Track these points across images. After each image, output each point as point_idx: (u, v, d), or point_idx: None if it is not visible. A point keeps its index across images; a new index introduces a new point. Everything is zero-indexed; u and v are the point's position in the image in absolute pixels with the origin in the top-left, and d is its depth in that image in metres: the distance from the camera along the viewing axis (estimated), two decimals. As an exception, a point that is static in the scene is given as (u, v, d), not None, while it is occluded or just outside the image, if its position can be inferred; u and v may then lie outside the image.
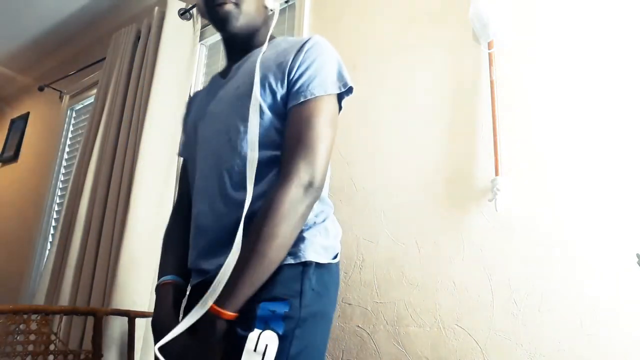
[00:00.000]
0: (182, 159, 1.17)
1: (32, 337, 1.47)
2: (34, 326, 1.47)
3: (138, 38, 2.51)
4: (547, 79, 1.32)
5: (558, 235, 1.20)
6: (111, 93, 2.45)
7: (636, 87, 1.19)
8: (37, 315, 1.50)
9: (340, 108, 0.97)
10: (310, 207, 0.86)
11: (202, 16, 1.07)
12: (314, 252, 0.89)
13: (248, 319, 0.81)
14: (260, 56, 0.95)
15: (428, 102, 1.53)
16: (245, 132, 0.91)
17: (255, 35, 1.02)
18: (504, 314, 1.23)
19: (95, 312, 1.62)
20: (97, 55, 2.89)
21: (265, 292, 0.83)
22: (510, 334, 1.20)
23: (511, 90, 1.36)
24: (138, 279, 1.89)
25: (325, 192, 0.98)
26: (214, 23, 1.00)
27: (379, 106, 1.64)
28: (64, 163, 3.11)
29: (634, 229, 1.11)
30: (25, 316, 1.46)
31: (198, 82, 2.42)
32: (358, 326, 1.46)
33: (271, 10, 1.05)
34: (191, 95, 1.20)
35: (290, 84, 0.91)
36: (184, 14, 2.35)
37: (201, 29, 2.39)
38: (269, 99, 0.92)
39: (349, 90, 0.96)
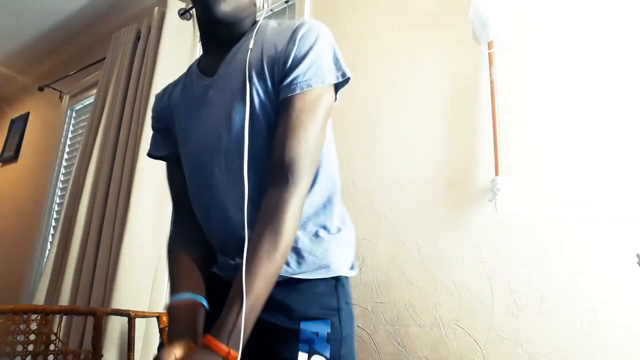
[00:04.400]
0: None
1: (32, 337, 1.47)
2: (34, 326, 1.48)
3: (138, 38, 2.51)
4: (547, 79, 1.32)
5: (558, 235, 1.20)
6: (111, 93, 2.45)
7: (636, 87, 1.19)
8: (37, 315, 1.50)
9: (335, 99, 0.87)
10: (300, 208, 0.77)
11: None
12: (343, 264, 0.84)
13: (288, 341, 0.76)
14: (249, 54, 0.86)
15: (428, 102, 1.53)
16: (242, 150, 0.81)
17: (240, 23, 0.90)
18: (504, 314, 1.23)
19: (95, 312, 1.62)
20: (97, 55, 2.89)
21: (303, 309, 0.78)
22: (510, 334, 1.20)
23: (511, 90, 1.36)
24: (138, 279, 1.89)
25: (338, 198, 0.90)
26: (197, 4, 0.88)
27: (379, 106, 1.64)
28: (64, 163, 3.11)
29: (634, 229, 1.11)
30: (25, 316, 1.46)
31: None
32: (358, 326, 1.45)
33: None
34: (158, 94, 1.04)
35: (284, 76, 0.82)
36: (184, 14, 2.35)
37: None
38: (261, 96, 0.84)
39: (346, 80, 0.86)
